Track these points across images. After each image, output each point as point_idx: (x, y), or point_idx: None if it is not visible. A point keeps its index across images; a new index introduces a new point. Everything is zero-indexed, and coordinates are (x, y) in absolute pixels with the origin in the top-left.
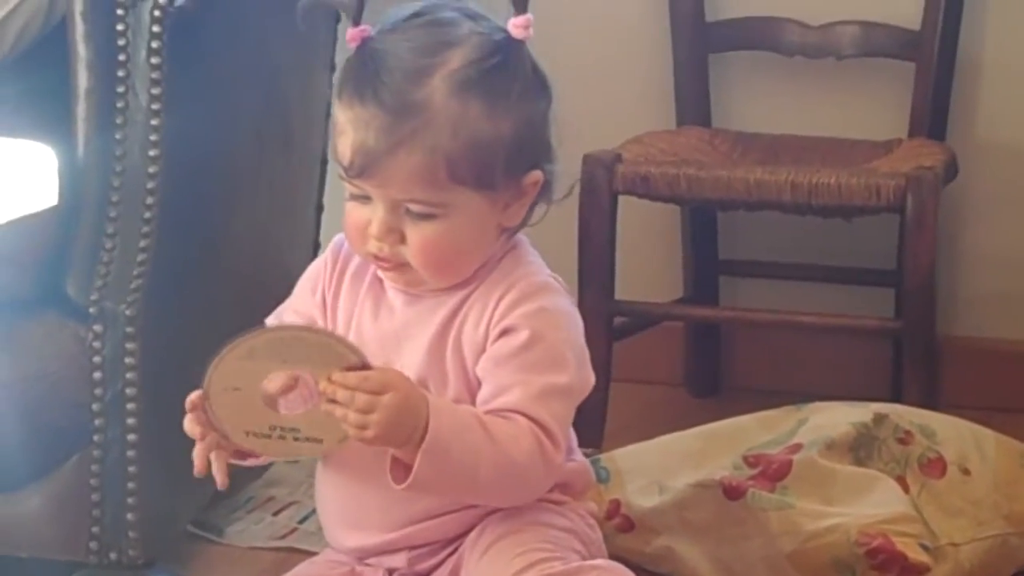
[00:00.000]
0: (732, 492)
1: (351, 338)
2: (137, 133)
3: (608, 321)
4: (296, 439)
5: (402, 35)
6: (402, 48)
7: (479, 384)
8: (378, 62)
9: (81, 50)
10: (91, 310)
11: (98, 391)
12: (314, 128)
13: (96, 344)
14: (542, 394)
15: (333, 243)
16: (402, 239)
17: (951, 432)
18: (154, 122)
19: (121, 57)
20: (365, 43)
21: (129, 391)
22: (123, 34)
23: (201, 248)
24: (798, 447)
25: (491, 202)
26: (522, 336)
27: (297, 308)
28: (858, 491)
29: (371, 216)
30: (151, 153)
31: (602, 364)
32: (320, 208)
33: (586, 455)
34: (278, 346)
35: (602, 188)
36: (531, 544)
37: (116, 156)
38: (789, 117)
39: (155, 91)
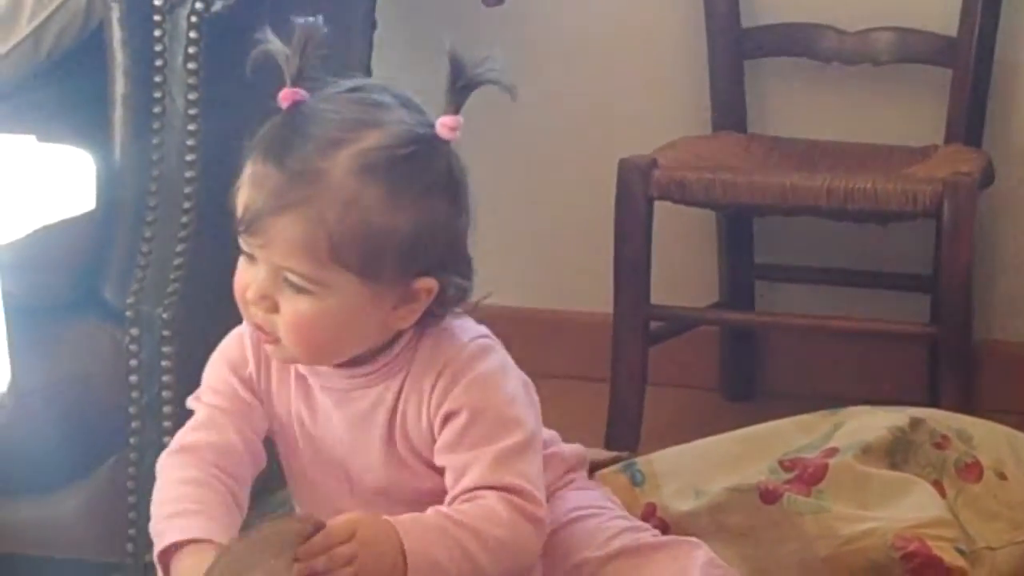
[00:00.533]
0: (768, 496)
1: (300, 440)
2: (174, 138)
3: (644, 325)
4: None
5: (331, 105)
6: (325, 118)
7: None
8: (297, 127)
9: (118, 56)
10: (128, 314)
11: (135, 394)
12: None
13: (133, 347)
14: (499, 461)
15: (247, 331)
16: (275, 308)
17: (987, 436)
18: (191, 127)
19: (158, 63)
20: (295, 106)
21: (165, 394)
22: (160, 40)
23: (238, 251)
24: (834, 451)
25: (374, 295)
26: (463, 417)
27: (215, 387)
28: (894, 495)
29: (253, 279)
30: (188, 158)
31: (637, 368)
32: None
33: (621, 459)
34: (237, 563)
35: (638, 193)
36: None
37: (153, 161)
38: (825, 123)
39: (192, 96)
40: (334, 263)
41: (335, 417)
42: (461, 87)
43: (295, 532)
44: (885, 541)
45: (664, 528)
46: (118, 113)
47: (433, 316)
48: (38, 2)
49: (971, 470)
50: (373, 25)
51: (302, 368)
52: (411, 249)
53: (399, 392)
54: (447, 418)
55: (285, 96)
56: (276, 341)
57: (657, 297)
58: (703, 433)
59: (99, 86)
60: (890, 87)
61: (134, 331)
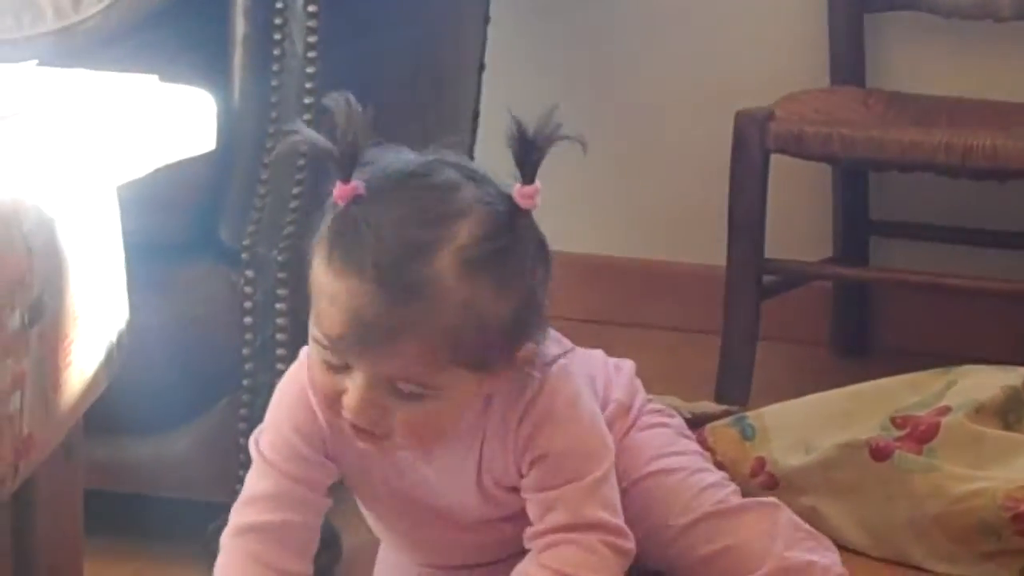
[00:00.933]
0: (879, 453)
1: (384, 494)
2: (293, 79)
3: (757, 279)
4: None
5: (398, 198)
6: (400, 214)
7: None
8: (374, 229)
9: None
10: (243, 255)
11: (248, 336)
12: (466, 78)
13: (247, 289)
14: (586, 496)
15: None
16: (384, 414)
17: None
18: (309, 69)
19: (279, 5)
20: (356, 202)
21: (279, 336)
22: None
23: None
24: (946, 410)
25: (482, 380)
26: (550, 461)
27: (282, 452)
28: (1006, 455)
29: (346, 385)
30: (306, 100)
31: (749, 322)
32: (471, 158)
33: (731, 412)
34: None
35: (754, 146)
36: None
37: (271, 102)
38: (945, 78)
39: (311, 39)
40: (451, 365)
41: (422, 471)
42: (536, 157)
43: None
44: (995, 501)
45: (773, 482)
46: (238, 55)
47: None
48: None
49: None
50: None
51: None
52: (517, 328)
53: (483, 439)
54: (534, 463)
55: (343, 194)
56: (371, 438)
57: (771, 251)
58: (814, 389)
59: (220, 27)
60: (1011, 43)
61: (249, 273)
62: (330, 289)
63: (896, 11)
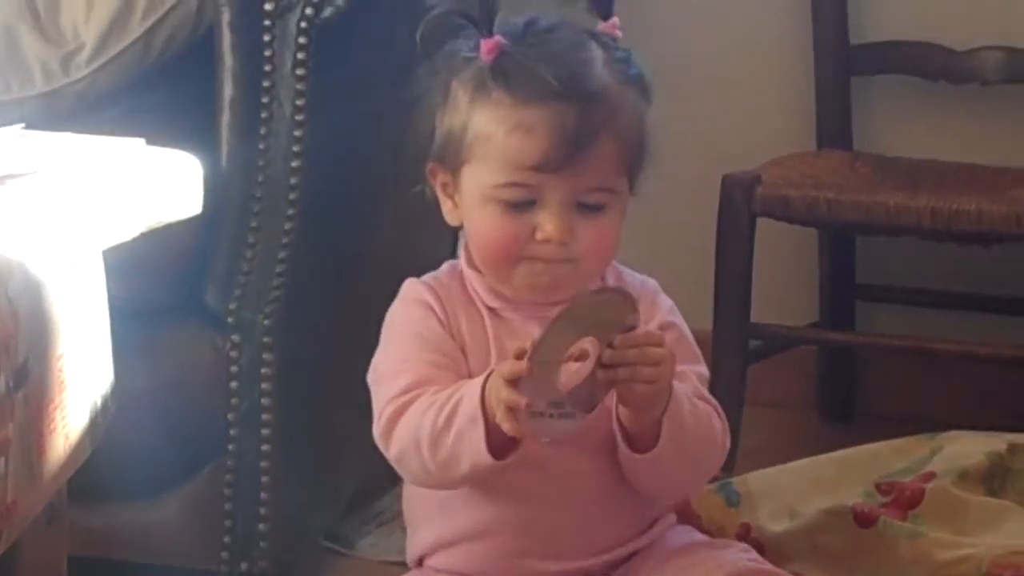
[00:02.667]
0: (864, 519)
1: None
2: (280, 142)
3: (743, 343)
4: (553, 416)
5: (534, 40)
6: (548, 48)
7: None
8: (537, 60)
9: (227, 60)
10: (230, 319)
11: (234, 400)
12: None
13: (233, 353)
14: (701, 380)
15: (423, 290)
16: (574, 234)
17: None
18: (297, 132)
19: (267, 67)
20: (503, 52)
21: (264, 401)
22: (269, 44)
23: (340, 259)
24: (931, 476)
25: (626, 199)
26: (674, 332)
27: (425, 348)
28: (991, 522)
29: (534, 222)
30: (293, 163)
31: (736, 386)
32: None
33: (717, 478)
34: (583, 314)
35: (741, 209)
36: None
37: (259, 165)
38: (931, 142)
39: (299, 101)
40: (624, 173)
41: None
42: None
43: (623, 317)
44: (981, 568)
45: (759, 548)
46: (225, 117)
47: None
48: (149, 5)
49: None
50: None
51: (495, 304)
52: (646, 148)
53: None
54: (662, 328)
55: (491, 47)
56: (556, 265)
57: (757, 315)
58: (800, 454)
59: (207, 90)
60: (998, 107)
61: (235, 337)
62: (521, 119)
63: (882, 74)
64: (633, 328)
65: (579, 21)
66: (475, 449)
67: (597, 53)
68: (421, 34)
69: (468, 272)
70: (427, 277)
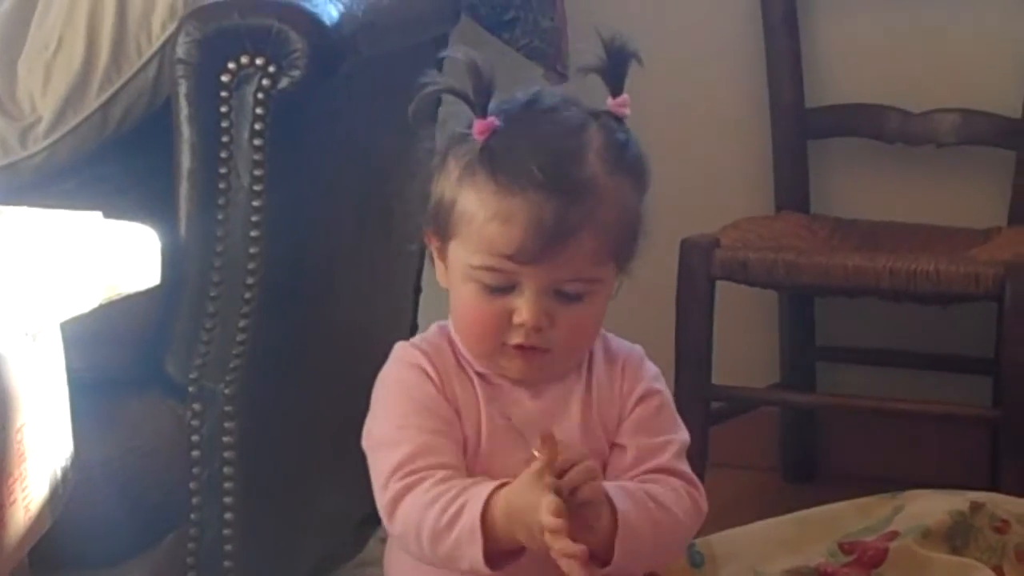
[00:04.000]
0: None
1: (484, 434)
2: (238, 214)
3: (705, 405)
4: None
5: (530, 121)
6: (541, 132)
7: (607, 459)
8: (526, 147)
9: (185, 131)
10: (190, 389)
11: (196, 470)
12: (414, 211)
13: (194, 423)
14: (680, 453)
15: (416, 354)
16: (551, 324)
17: None
18: (256, 203)
19: (224, 139)
20: (495, 133)
21: (226, 470)
22: (226, 116)
23: (300, 329)
24: (894, 535)
25: (615, 282)
26: (656, 400)
27: (422, 414)
28: None
29: (514, 305)
30: (252, 234)
31: (698, 449)
32: (418, 290)
33: None
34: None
35: (700, 273)
36: None
37: (217, 236)
38: (888, 204)
39: (257, 172)
40: (609, 259)
41: (531, 407)
42: (621, 68)
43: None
44: None
45: None
46: (183, 188)
47: None
48: (107, 77)
49: None
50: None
51: (481, 368)
52: (639, 231)
53: (589, 380)
54: (642, 398)
55: (483, 128)
56: (534, 355)
57: (718, 377)
58: (763, 514)
59: (165, 161)
60: (954, 168)
61: (196, 406)
62: (500, 208)
63: (839, 137)
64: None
65: (584, 99)
66: (474, 559)
67: (593, 138)
68: (413, 109)
69: (456, 336)
70: (418, 340)
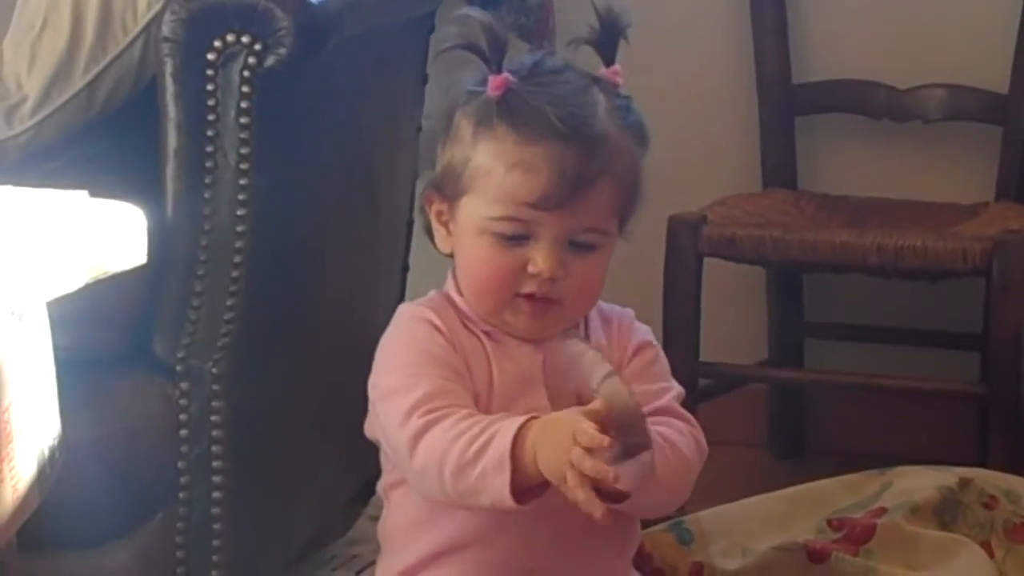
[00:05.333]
0: (816, 555)
1: (496, 388)
2: (225, 193)
3: (693, 383)
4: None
5: (542, 80)
6: (553, 90)
7: None
8: (543, 100)
9: (171, 110)
10: (178, 368)
11: (184, 448)
12: (400, 188)
13: (183, 402)
14: (678, 397)
15: (424, 310)
16: (565, 272)
17: None
18: (242, 182)
19: (210, 117)
20: (511, 89)
21: (215, 449)
22: (212, 94)
23: (288, 307)
24: (882, 511)
25: (615, 240)
26: (651, 352)
27: (435, 363)
28: (943, 555)
29: (529, 256)
30: (239, 212)
31: None
32: (406, 267)
33: (669, 517)
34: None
35: (687, 250)
36: None
37: (204, 215)
38: (875, 180)
39: (244, 151)
40: (616, 214)
41: (537, 362)
42: (613, 39)
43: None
44: None
45: None
46: (170, 167)
47: None
48: (92, 56)
49: (1020, 530)
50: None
51: (491, 328)
52: (640, 191)
53: (587, 336)
54: (638, 350)
55: (500, 83)
56: (546, 307)
57: (706, 354)
58: (751, 491)
59: (151, 140)
60: (941, 144)
61: (184, 385)
62: (522, 157)
63: (826, 113)
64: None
65: (582, 66)
66: (498, 492)
67: (600, 98)
68: (433, 59)
69: (459, 299)
70: (421, 301)
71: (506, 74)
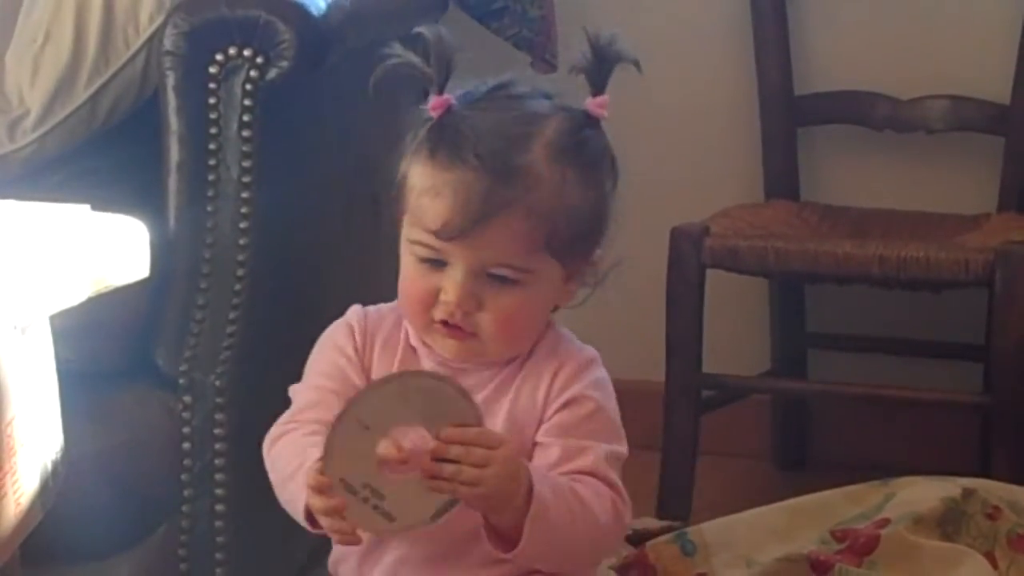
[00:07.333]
0: (819, 567)
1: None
2: (228, 205)
3: (695, 394)
4: (375, 507)
5: (489, 105)
6: (495, 117)
7: (530, 456)
8: (473, 127)
9: (173, 123)
10: (180, 381)
11: (187, 461)
12: None
13: (185, 415)
14: (609, 461)
15: (354, 314)
16: (479, 306)
17: None
18: (245, 195)
19: (213, 130)
20: (450, 111)
21: (218, 462)
22: (215, 107)
23: (290, 319)
24: (886, 522)
25: (562, 275)
26: (588, 406)
27: (323, 371)
28: (946, 566)
29: (443, 282)
30: (242, 225)
31: (689, 437)
32: None
33: (672, 528)
34: (420, 393)
35: (690, 261)
36: None
37: (207, 228)
38: (878, 191)
39: (246, 164)
40: (544, 250)
41: None
42: (605, 68)
43: (462, 413)
44: None
45: None
46: (172, 180)
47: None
48: (95, 69)
49: (1023, 541)
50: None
51: (417, 344)
52: (594, 225)
53: (514, 373)
54: (569, 403)
55: (438, 104)
56: (464, 336)
57: (709, 366)
58: (754, 502)
59: (154, 153)
60: (943, 155)
61: (187, 398)
62: (434, 183)
63: (828, 124)
64: (470, 426)
65: (564, 92)
66: (300, 512)
67: (547, 129)
68: (373, 83)
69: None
70: (374, 306)
71: (447, 96)
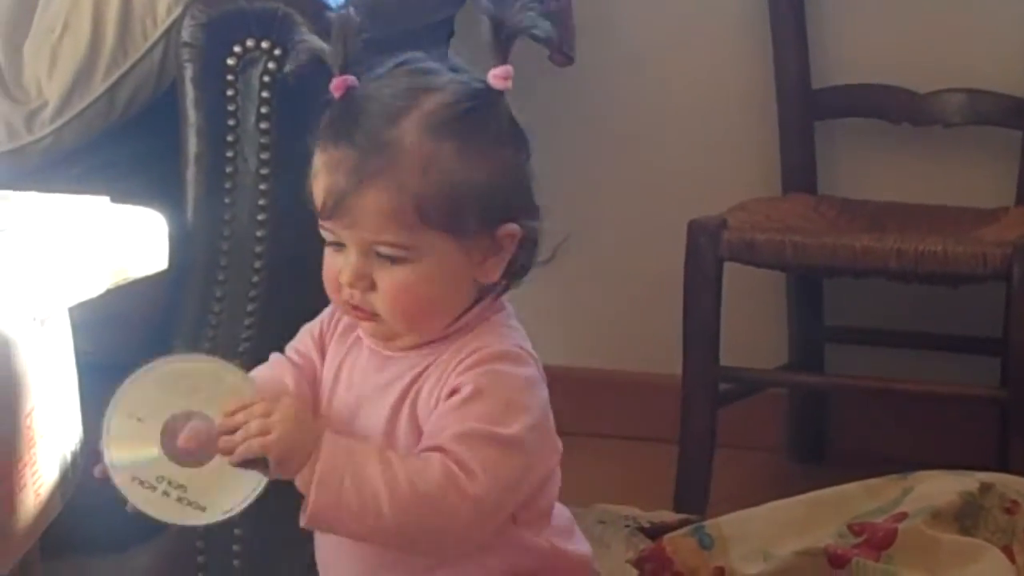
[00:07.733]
0: (837, 560)
1: (326, 398)
2: (246, 198)
3: (713, 387)
4: (180, 499)
5: (384, 82)
6: (382, 93)
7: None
8: (358, 107)
9: (191, 115)
10: None
11: None
12: None
13: None
14: (469, 436)
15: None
16: (372, 286)
17: None
18: (263, 187)
19: (231, 122)
20: (349, 91)
21: None
22: (233, 99)
23: (308, 311)
24: (903, 516)
25: (465, 251)
26: (465, 391)
27: (298, 348)
28: (964, 560)
29: (344, 264)
30: (259, 217)
31: (706, 430)
32: None
33: (690, 521)
34: (185, 377)
35: (707, 254)
36: None
37: (225, 220)
38: (895, 184)
39: (264, 156)
40: (423, 225)
41: (372, 380)
42: (504, 38)
43: (220, 385)
44: None
45: None
46: (191, 172)
47: (522, 268)
48: (112, 61)
49: None
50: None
51: (367, 340)
52: (490, 198)
53: (431, 363)
54: (451, 392)
55: (337, 85)
56: (374, 318)
57: (726, 359)
58: (772, 496)
59: (172, 145)
60: (960, 148)
61: None
62: (316, 164)
63: (846, 118)
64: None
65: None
66: None
67: (429, 102)
68: (288, 71)
69: None
70: None
71: (345, 77)
